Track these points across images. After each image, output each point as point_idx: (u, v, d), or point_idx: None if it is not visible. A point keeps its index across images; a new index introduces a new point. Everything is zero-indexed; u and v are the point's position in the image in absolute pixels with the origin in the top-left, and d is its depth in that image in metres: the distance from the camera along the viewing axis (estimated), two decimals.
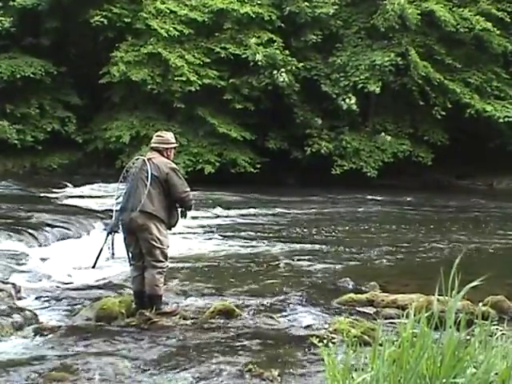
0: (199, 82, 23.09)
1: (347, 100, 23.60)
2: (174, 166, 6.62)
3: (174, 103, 23.36)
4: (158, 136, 6.80)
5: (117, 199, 6.69)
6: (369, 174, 23.83)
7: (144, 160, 6.51)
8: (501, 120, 23.72)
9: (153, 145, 6.72)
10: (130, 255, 6.60)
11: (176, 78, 22.97)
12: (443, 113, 24.05)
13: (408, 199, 20.40)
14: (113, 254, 6.48)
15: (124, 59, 23.07)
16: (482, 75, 25.00)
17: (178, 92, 23.10)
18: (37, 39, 24.83)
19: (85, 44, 25.55)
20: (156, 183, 6.42)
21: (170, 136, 6.83)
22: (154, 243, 6.43)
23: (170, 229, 6.69)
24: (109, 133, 23.67)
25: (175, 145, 6.86)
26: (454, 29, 24.05)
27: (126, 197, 6.47)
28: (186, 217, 6.75)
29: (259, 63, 23.02)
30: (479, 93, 24.66)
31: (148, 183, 6.35)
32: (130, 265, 6.67)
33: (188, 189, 6.55)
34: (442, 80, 23.89)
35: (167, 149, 6.69)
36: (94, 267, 6.67)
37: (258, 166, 23.55)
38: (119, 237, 6.56)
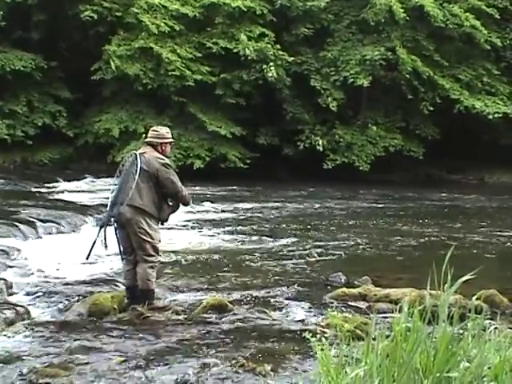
0: (192, 77, 23.03)
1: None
2: (167, 161, 6.58)
3: (165, 98, 23.28)
4: (153, 131, 6.79)
5: (111, 193, 6.69)
6: (361, 168, 23.87)
7: (136, 154, 6.51)
8: (490, 116, 23.77)
9: (147, 139, 6.71)
10: (122, 249, 6.60)
11: (169, 73, 22.90)
12: (431, 108, 24.12)
13: (399, 194, 20.45)
14: (106, 246, 6.46)
15: (116, 53, 22.96)
16: (472, 71, 25.04)
17: (171, 86, 23.03)
18: (27, 33, 24.69)
19: (75, 38, 25.40)
20: (145, 177, 6.39)
21: (165, 131, 6.80)
22: (144, 237, 6.42)
23: (162, 223, 6.68)
24: (97, 125, 23.57)
25: (170, 140, 6.81)
26: (444, 24, 24.09)
27: (116, 191, 6.48)
28: (177, 209, 6.75)
29: (249, 57, 22.96)
30: (469, 88, 24.71)
31: (136, 177, 6.34)
32: (122, 259, 6.68)
33: (181, 187, 6.53)
34: (432, 75, 23.93)
35: (161, 143, 6.65)
36: (87, 259, 6.66)
37: (248, 161, 23.52)
38: (111, 230, 6.54)
